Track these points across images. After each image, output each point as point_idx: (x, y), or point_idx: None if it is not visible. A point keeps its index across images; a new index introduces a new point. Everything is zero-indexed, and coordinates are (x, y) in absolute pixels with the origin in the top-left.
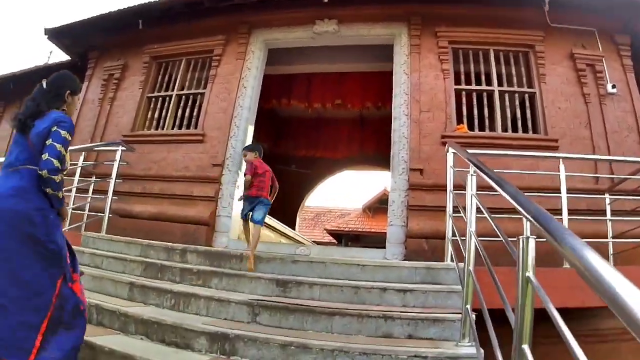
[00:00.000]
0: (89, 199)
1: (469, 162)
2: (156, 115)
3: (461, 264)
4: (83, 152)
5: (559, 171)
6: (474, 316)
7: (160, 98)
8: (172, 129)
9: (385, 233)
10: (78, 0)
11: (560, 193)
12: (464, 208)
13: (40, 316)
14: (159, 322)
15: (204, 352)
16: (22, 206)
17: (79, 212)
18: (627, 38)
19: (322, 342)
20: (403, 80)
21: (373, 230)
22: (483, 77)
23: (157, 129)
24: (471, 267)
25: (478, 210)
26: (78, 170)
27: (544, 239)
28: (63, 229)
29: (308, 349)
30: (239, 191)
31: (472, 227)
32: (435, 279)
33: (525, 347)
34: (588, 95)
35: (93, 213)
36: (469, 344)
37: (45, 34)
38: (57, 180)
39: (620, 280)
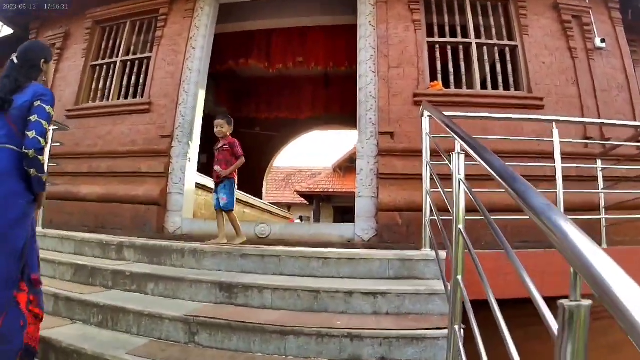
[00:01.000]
0: None
1: (455, 137)
2: (101, 85)
3: (442, 253)
4: None
5: (546, 134)
6: (462, 333)
7: (105, 66)
8: (118, 99)
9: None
10: None
11: (547, 158)
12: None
13: None
14: (79, 351)
15: None
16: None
17: None
18: None
19: None
20: (369, 33)
21: (345, 190)
22: (459, 29)
23: (102, 100)
24: (460, 278)
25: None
26: None
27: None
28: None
29: None
30: (191, 164)
31: (460, 224)
32: (412, 273)
33: None
34: (575, 50)
35: None
36: None
37: None
38: (43, 162)
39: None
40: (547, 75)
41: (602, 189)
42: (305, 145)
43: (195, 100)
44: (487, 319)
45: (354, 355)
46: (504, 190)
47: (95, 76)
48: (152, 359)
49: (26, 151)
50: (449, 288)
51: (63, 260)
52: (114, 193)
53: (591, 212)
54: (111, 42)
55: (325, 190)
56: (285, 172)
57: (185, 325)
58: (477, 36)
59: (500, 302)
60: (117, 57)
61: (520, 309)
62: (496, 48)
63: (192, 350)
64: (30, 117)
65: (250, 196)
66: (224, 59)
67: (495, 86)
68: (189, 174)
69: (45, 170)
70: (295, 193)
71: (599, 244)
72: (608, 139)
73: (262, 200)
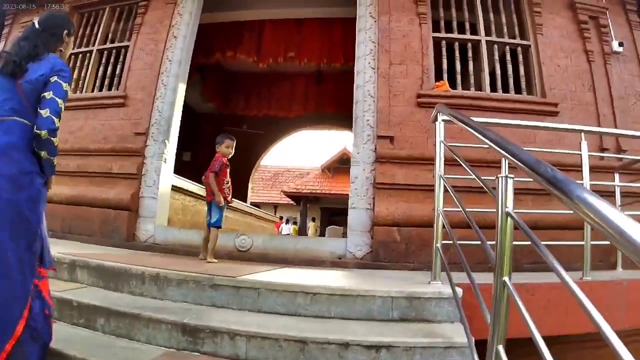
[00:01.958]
0: None
1: (506, 156)
2: (75, 75)
3: (459, 290)
4: None
5: (560, 144)
6: None
7: (81, 55)
8: (93, 91)
9: (347, 195)
10: None
11: (564, 170)
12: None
13: (18, 312)
14: None
15: None
16: (8, 169)
17: None
18: None
19: None
20: (369, 25)
21: (333, 192)
22: (467, 26)
23: (76, 92)
24: (501, 349)
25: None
26: None
27: None
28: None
29: None
30: (167, 166)
31: (505, 275)
32: (421, 315)
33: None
34: (591, 53)
35: None
36: None
37: None
38: (56, 144)
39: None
40: (562, 80)
41: (620, 206)
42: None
43: (174, 95)
44: None
45: None
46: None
47: (70, 66)
48: None
49: (38, 132)
50: (471, 340)
51: None
52: (83, 195)
53: None
54: (89, 29)
55: (313, 191)
56: (272, 171)
57: None
58: (487, 33)
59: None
60: (94, 45)
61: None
62: (507, 47)
63: None
64: (45, 94)
65: (234, 200)
66: (211, 51)
67: (505, 89)
68: (164, 177)
69: (57, 153)
70: (282, 194)
71: (614, 267)
72: (624, 151)
73: (245, 204)
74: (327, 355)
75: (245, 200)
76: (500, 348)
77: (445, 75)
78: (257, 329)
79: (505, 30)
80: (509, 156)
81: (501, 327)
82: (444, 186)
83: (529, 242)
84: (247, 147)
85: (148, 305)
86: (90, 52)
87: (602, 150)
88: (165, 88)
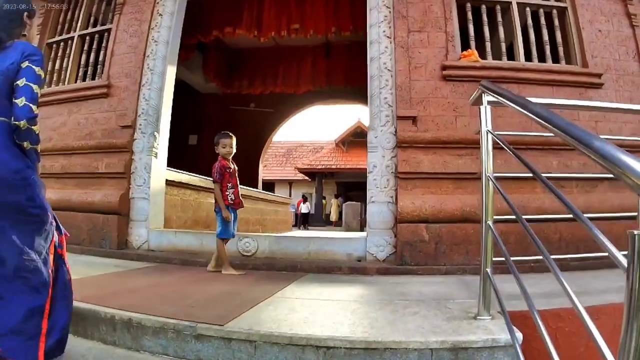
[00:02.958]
0: None
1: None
2: (57, 66)
3: (518, 334)
4: None
5: (604, 119)
6: None
7: (62, 43)
8: (75, 82)
9: (363, 169)
10: None
11: None
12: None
13: (42, 297)
14: None
15: None
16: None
17: None
18: None
19: None
20: None
21: (348, 167)
22: None
23: (58, 84)
24: None
25: None
26: None
27: None
28: None
29: None
30: (159, 161)
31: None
32: None
33: None
34: (634, 17)
35: None
36: None
37: None
38: (37, 132)
39: None
40: (604, 47)
41: None
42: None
43: (162, 80)
44: None
45: None
46: None
47: (52, 55)
48: None
49: (17, 123)
50: None
51: None
52: (67, 198)
53: None
54: (70, 14)
55: (328, 166)
56: (285, 147)
57: None
58: None
59: None
60: (76, 31)
61: None
62: (541, 10)
63: None
64: (18, 82)
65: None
66: (208, 28)
67: (541, 57)
68: (156, 174)
69: (40, 139)
70: (296, 170)
71: None
72: None
73: (255, 189)
74: None
75: (256, 182)
76: None
77: (472, 44)
78: None
79: None
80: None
81: None
82: (494, 188)
83: None
84: (256, 126)
85: None
86: (72, 39)
87: None
88: (151, 73)
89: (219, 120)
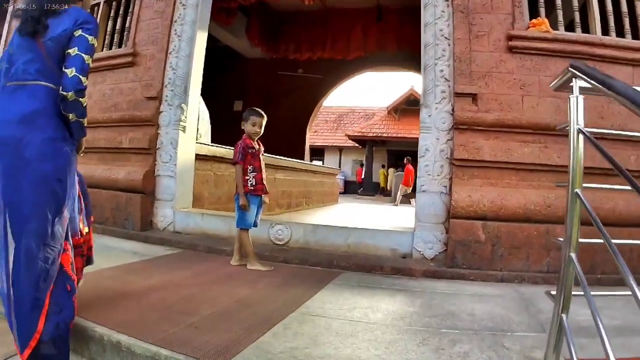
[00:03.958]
0: None
1: None
2: None
3: None
4: None
5: None
6: None
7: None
8: (102, 50)
9: (415, 139)
10: None
11: None
12: None
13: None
14: None
15: None
16: (32, 136)
17: None
18: None
19: None
20: None
21: (400, 135)
22: None
23: None
24: None
25: None
26: None
27: None
28: None
29: None
30: (187, 136)
31: None
32: None
33: None
34: None
35: None
36: None
37: None
38: (84, 104)
39: None
40: None
41: None
42: (358, 84)
43: (190, 46)
44: None
45: None
46: None
47: None
48: None
49: (64, 93)
50: None
51: None
52: (91, 175)
53: None
54: None
55: (379, 134)
56: (337, 112)
57: None
58: None
59: None
60: None
61: None
62: None
63: None
64: (70, 50)
65: (282, 158)
66: None
67: (620, 32)
68: (183, 150)
69: (86, 113)
70: (347, 136)
71: None
72: None
73: (300, 161)
74: None
75: (302, 151)
76: None
77: (542, 11)
78: None
79: None
80: None
81: None
82: (581, 205)
83: None
84: (304, 92)
85: None
86: (98, 5)
87: None
88: (179, 39)
89: (265, 86)
